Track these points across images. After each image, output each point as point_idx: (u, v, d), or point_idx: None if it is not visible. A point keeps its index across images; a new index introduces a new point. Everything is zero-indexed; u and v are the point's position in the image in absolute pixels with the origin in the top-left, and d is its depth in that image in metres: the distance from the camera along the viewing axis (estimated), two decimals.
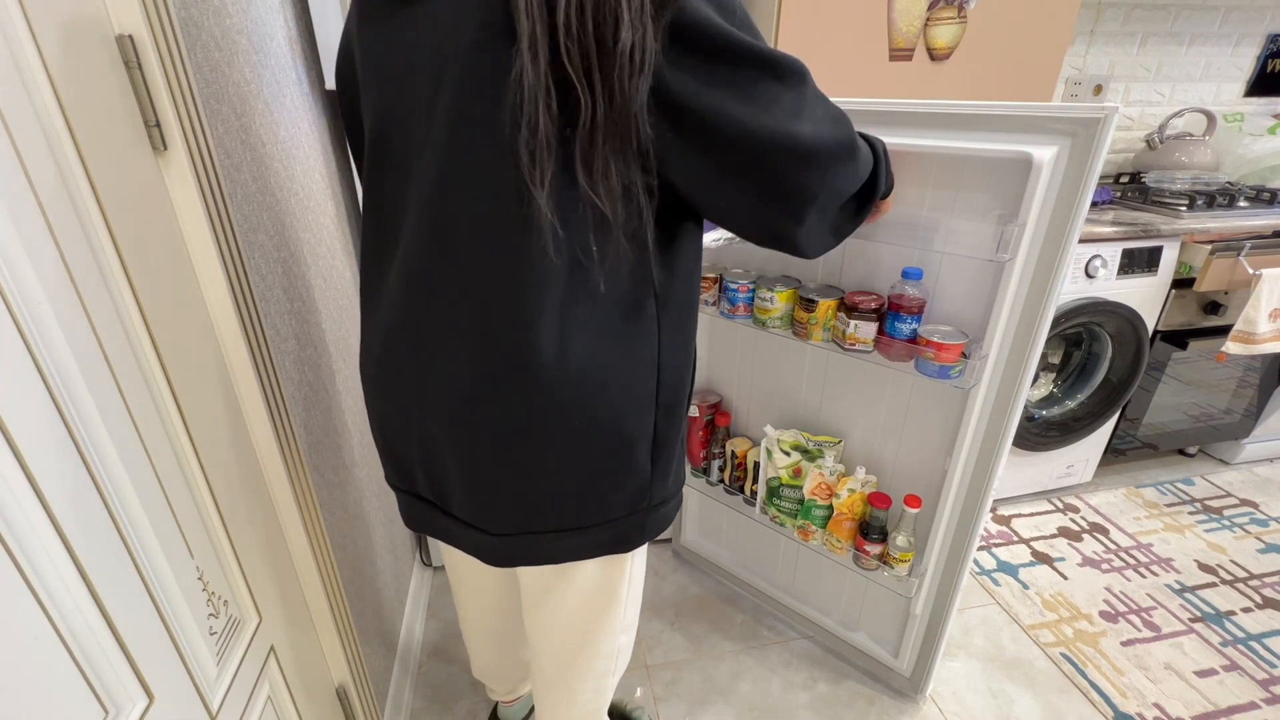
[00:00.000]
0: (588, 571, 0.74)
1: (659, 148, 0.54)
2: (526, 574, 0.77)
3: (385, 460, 0.76)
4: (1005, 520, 1.85)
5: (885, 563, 1.18)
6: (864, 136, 0.71)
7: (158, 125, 0.57)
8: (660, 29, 0.49)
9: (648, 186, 0.55)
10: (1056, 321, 1.57)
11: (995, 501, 1.92)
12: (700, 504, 1.62)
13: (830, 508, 1.22)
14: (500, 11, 0.50)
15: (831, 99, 0.61)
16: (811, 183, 0.58)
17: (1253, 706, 1.30)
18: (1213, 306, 1.72)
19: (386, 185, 0.64)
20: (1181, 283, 1.66)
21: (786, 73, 0.54)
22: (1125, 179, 2.09)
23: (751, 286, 1.16)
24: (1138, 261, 1.59)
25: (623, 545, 0.71)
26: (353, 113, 0.69)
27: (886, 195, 0.77)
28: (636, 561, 0.78)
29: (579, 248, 0.56)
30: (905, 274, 0.99)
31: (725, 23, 0.52)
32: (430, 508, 0.74)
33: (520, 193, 0.53)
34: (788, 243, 0.64)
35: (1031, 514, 1.88)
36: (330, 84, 1.07)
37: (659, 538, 1.66)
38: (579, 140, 0.51)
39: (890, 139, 0.97)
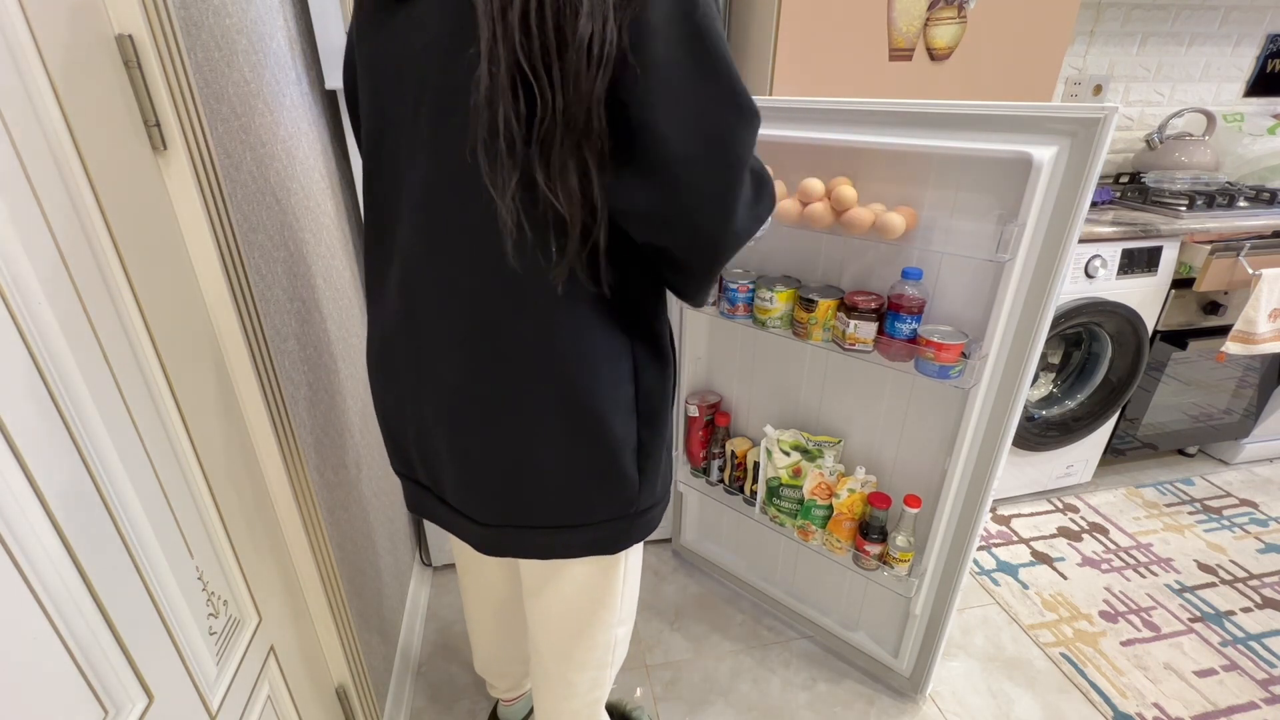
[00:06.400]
0: (582, 566, 0.75)
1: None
2: (525, 564, 0.78)
3: (389, 447, 0.79)
4: (1005, 520, 1.85)
5: (885, 563, 1.18)
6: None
7: (157, 125, 0.57)
8: (626, 21, 0.48)
9: (604, 186, 0.53)
10: (1056, 321, 1.57)
11: (995, 501, 1.92)
12: (700, 504, 1.62)
13: (830, 508, 1.22)
14: (469, 16, 0.50)
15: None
16: (726, 248, 0.60)
17: (1252, 706, 1.30)
18: (1212, 306, 1.72)
19: (382, 185, 0.65)
20: (1181, 283, 1.66)
21: (748, 106, 0.54)
22: (1125, 179, 2.09)
23: (751, 286, 1.16)
24: (1137, 261, 1.59)
25: (608, 547, 0.72)
26: (358, 112, 0.71)
27: None
28: (631, 556, 0.79)
29: (539, 250, 0.55)
30: (905, 274, 0.99)
31: (707, 21, 0.50)
32: (428, 494, 0.76)
33: (488, 193, 0.53)
34: (683, 288, 0.65)
35: (1031, 514, 1.88)
36: (330, 84, 1.07)
37: (658, 537, 1.68)
38: (538, 139, 0.50)
39: (890, 139, 0.97)
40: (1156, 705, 1.30)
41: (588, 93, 0.48)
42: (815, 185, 1.04)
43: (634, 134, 0.51)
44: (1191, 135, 2.02)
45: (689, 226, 0.57)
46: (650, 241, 0.59)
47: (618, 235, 0.58)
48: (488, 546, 0.72)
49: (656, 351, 0.67)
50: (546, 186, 0.52)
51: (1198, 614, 1.52)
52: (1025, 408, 1.59)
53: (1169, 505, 1.91)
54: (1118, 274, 1.59)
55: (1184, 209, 1.68)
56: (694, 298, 0.67)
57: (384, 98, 0.62)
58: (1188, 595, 1.58)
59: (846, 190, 1.00)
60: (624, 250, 0.60)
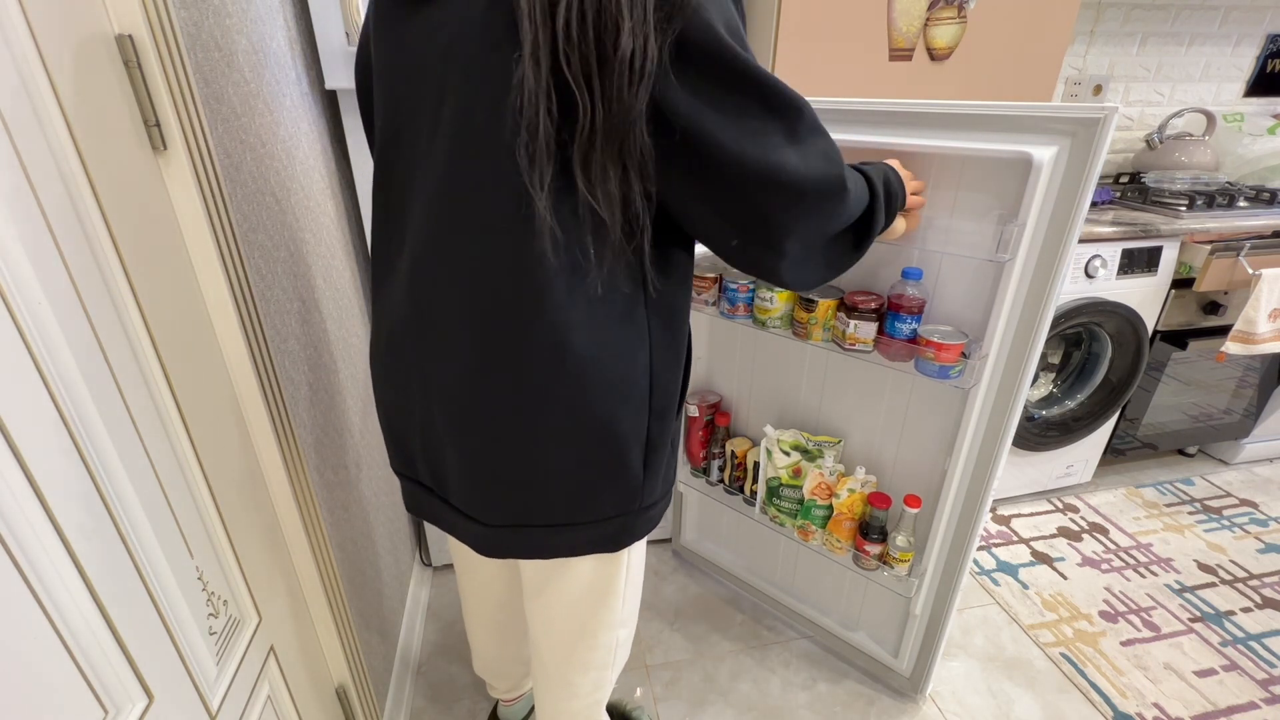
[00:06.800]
0: (584, 565, 0.75)
1: (653, 157, 0.54)
2: (526, 565, 0.78)
3: (390, 446, 0.78)
4: (1005, 520, 1.85)
5: (885, 563, 1.18)
6: (863, 170, 0.71)
7: (157, 125, 0.57)
8: (667, 39, 0.49)
9: (645, 193, 0.55)
10: (1056, 321, 1.57)
11: (995, 501, 1.92)
12: (700, 504, 1.62)
13: (830, 508, 1.22)
14: (502, 17, 0.51)
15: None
16: (790, 217, 0.58)
17: (1252, 706, 1.30)
18: (1212, 306, 1.72)
19: (394, 183, 0.65)
20: (1181, 283, 1.66)
21: (781, 104, 0.54)
22: (1125, 179, 2.09)
23: (751, 286, 1.16)
24: (1137, 261, 1.59)
25: (611, 545, 0.72)
26: (369, 109, 0.71)
27: (888, 225, 0.76)
28: (634, 555, 0.78)
29: (577, 250, 0.56)
30: (905, 274, 0.99)
31: (732, 41, 0.51)
32: (430, 494, 0.76)
33: (520, 195, 0.53)
34: (770, 274, 0.64)
35: (1031, 514, 1.88)
36: (330, 84, 1.07)
37: (658, 537, 1.68)
38: (578, 145, 0.51)
39: (890, 139, 0.97)
40: (1156, 705, 1.30)
41: (630, 106, 0.49)
42: None
43: (684, 145, 0.53)
44: (1191, 135, 2.02)
45: (752, 204, 0.57)
46: (724, 234, 0.60)
47: (660, 233, 0.59)
48: (489, 548, 0.72)
49: (675, 347, 0.67)
50: (586, 190, 0.53)
51: (1198, 614, 1.52)
52: (1025, 408, 1.59)
53: (1169, 505, 1.91)
54: (1118, 274, 1.59)
55: (1184, 209, 1.68)
56: (783, 274, 0.64)
57: (401, 95, 0.62)
58: (1188, 595, 1.58)
59: None
60: (659, 246, 0.61)
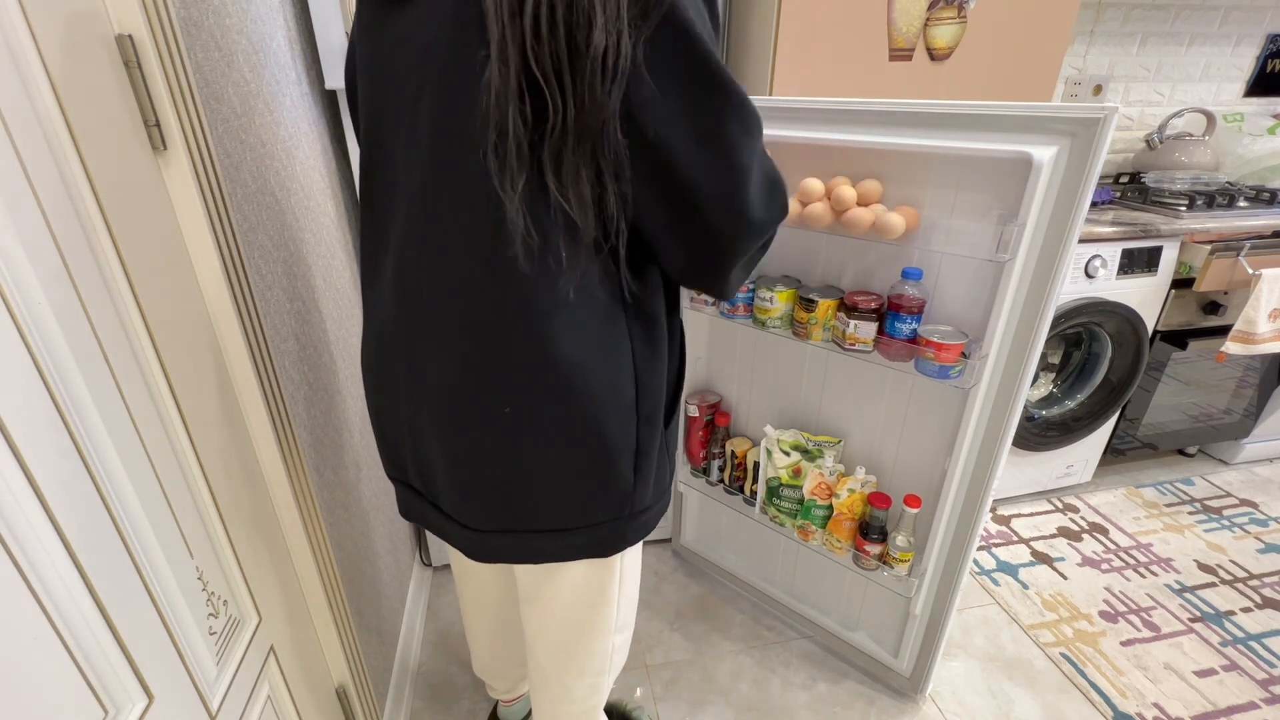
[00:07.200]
0: (576, 571, 0.74)
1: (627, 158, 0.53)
2: (520, 569, 0.77)
3: (381, 450, 0.78)
4: (1005, 520, 1.85)
5: (885, 563, 1.18)
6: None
7: (157, 125, 0.57)
8: (641, 36, 0.48)
9: (621, 195, 0.54)
10: (1056, 321, 1.57)
11: (995, 501, 1.92)
12: (700, 504, 1.62)
13: (830, 508, 1.22)
14: (474, 15, 0.50)
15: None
16: (744, 246, 0.60)
17: (1252, 706, 1.30)
18: (1212, 306, 1.72)
19: (379, 185, 0.65)
20: (1181, 283, 1.66)
21: (751, 119, 0.55)
22: (1125, 179, 2.09)
23: (751, 286, 1.16)
24: (1137, 261, 1.59)
25: (604, 550, 0.71)
26: (358, 114, 0.70)
27: None
28: (628, 561, 0.78)
29: (550, 254, 0.55)
30: (905, 274, 0.99)
31: (708, 43, 0.51)
32: (420, 499, 0.75)
33: (494, 197, 0.52)
34: (711, 288, 0.66)
35: (1031, 514, 1.88)
36: (330, 84, 1.08)
37: (658, 537, 1.68)
38: (549, 146, 0.50)
39: (890, 139, 0.97)
40: (1156, 705, 1.30)
41: (602, 105, 0.48)
42: (815, 185, 1.04)
43: (651, 148, 0.52)
44: (1191, 135, 2.02)
45: (707, 230, 0.57)
46: (672, 247, 0.60)
47: (635, 237, 0.59)
48: (478, 553, 0.71)
49: (658, 352, 0.67)
50: (558, 192, 0.52)
51: (1198, 614, 1.52)
52: (1025, 408, 1.59)
53: (1169, 505, 1.91)
54: (1118, 274, 1.59)
55: (1184, 209, 1.68)
56: (721, 291, 0.67)
57: (382, 98, 0.62)
58: (1188, 595, 1.58)
59: (846, 190, 1.00)
60: (634, 252, 0.60)
